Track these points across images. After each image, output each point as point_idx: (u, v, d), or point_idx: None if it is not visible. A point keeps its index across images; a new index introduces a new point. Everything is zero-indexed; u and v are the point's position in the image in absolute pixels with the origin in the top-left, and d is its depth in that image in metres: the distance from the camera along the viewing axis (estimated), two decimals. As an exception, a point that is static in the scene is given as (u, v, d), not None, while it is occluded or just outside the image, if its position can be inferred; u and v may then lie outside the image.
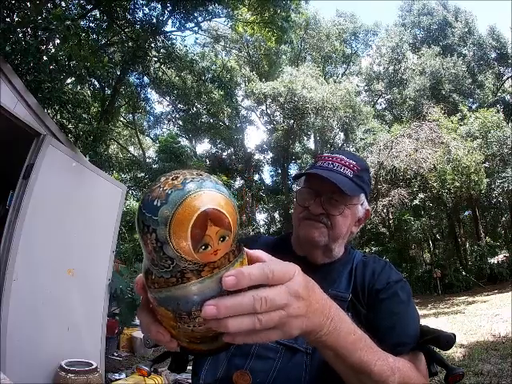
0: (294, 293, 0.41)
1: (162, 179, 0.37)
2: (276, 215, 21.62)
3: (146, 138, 19.60)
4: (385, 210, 14.57)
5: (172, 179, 0.37)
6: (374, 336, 0.73)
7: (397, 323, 0.75)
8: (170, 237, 0.35)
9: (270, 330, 0.41)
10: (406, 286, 0.84)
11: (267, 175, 28.03)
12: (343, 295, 0.81)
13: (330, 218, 0.82)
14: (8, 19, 4.26)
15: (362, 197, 0.87)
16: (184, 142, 19.31)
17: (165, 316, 0.40)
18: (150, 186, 0.38)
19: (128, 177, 12.87)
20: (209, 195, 0.36)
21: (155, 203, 0.35)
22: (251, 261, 0.45)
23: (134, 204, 13.06)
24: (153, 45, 7.88)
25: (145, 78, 10.47)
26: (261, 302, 0.38)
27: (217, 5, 8.83)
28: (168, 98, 16.97)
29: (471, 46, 19.44)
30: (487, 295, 10.99)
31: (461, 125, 14.27)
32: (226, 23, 11.96)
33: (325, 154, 0.90)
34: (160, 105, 18.89)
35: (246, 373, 0.73)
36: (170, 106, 18.18)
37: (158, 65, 8.82)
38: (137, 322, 5.48)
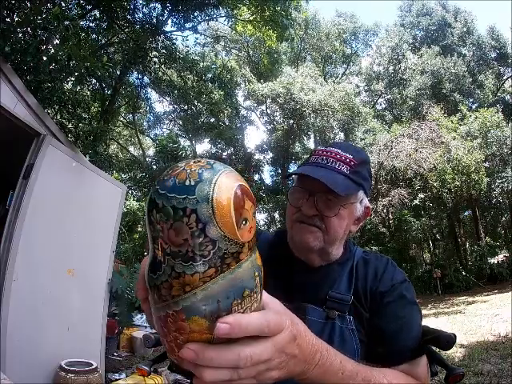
0: (279, 348, 0.40)
1: (182, 164, 0.35)
2: (276, 215, 21.61)
3: (146, 137, 19.59)
4: (385, 210, 14.58)
5: (194, 162, 0.35)
6: (379, 340, 0.73)
7: (403, 327, 0.73)
8: (215, 213, 0.32)
9: (246, 379, 0.39)
10: (410, 286, 0.81)
11: (267, 175, 28.06)
12: (344, 297, 0.78)
13: (324, 219, 0.76)
14: (8, 19, 4.26)
15: (361, 194, 0.80)
16: (184, 142, 19.33)
17: (196, 330, 0.35)
18: (166, 173, 0.35)
19: (128, 177, 12.87)
20: (236, 173, 0.36)
21: (187, 183, 0.33)
22: None
23: (134, 204, 13.07)
24: (153, 45, 7.88)
25: (145, 77, 10.48)
26: (246, 360, 0.37)
27: (217, 4, 8.83)
28: (168, 98, 16.98)
29: (471, 46, 19.43)
30: (487, 295, 10.99)
31: (460, 124, 14.28)
32: (226, 23, 11.98)
33: (319, 148, 0.82)
34: (160, 104, 18.89)
35: None
36: (170, 106, 18.19)
37: (158, 65, 8.81)
38: (137, 322, 5.49)
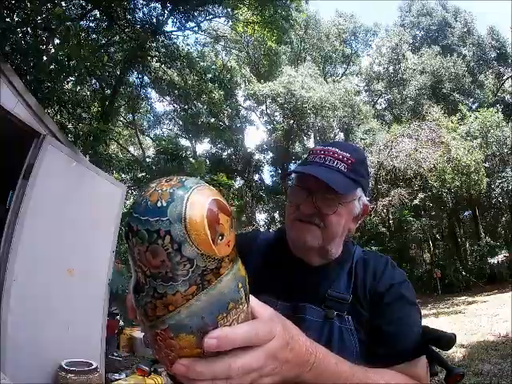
0: (271, 356, 0.41)
1: (154, 185, 0.35)
2: (276, 215, 21.62)
3: (146, 137, 19.58)
4: (385, 210, 14.57)
5: (166, 181, 0.35)
6: (379, 341, 0.73)
7: (403, 328, 0.73)
8: (188, 233, 0.32)
9: None
10: (409, 286, 0.81)
11: (267, 175, 28.05)
12: (343, 296, 0.77)
13: (322, 217, 0.76)
14: (8, 19, 4.26)
15: (359, 192, 0.80)
16: (184, 142, 19.33)
17: (186, 346, 0.36)
18: (139, 195, 0.35)
19: (128, 177, 12.86)
20: (208, 188, 0.36)
21: (159, 204, 0.32)
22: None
23: (134, 204, 12.98)
24: (154, 44, 7.87)
25: (145, 77, 10.47)
26: (237, 371, 0.37)
27: (217, 5, 8.83)
28: (168, 98, 16.97)
29: (471, 45, 19.44)
30: (487, 295, 10.99)
31: (461, 124, 14.28)
32: (226, 23, 11.97)
33: (317, 148, 0.83)
34: (160, 104, 18.91)
35: None
36: (171, 106, 18.19)
37: (158, 64, 8.81)
38: (137, 322, 5.48)
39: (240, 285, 0.38)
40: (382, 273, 0.80)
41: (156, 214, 0.32)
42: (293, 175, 0.87)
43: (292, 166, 21.17)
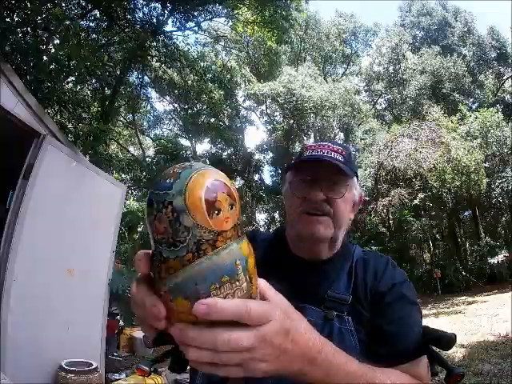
0: (263, 339, 0.41)
1: (171, 168, 0.41)
2: (276, 215, 21.62)
3: (146, 137, 19.58)
4: (385, 210, 14.57)
5: (180, 165, 0.41)
6: (380, 341, 0.73)
7: (404, 327, 0.74)
8: (186, 204, 0.37)
9: (231, 366, 0.41)
10: (410, 286, 0.81)
11: (267, 175, 28.02)
12: (343, 297, 0.77)
13: (331, 203, 0.78)
14: (8, 19, 4.26)
15: (355, 180, 0.84)
16: (184, 142, 19.33)
17: (182, 310, 0.39)
18: (159, 175, 0.41)
19: (128, 177, 12.87)
20: (214, 171, 0.41)
21: (168, 181, 0.39)
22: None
23: (134, 204, 13.06)
24: (154, 44, 7.88)
25: (145, 77, 10.48)
26: (223, 343, 0.38)
27: (217, 4, 8.83)
28: (168, 98, 16.97)
29: (471, 45, 19.44)
30: (487, 295, 10.99)
31: (461, 124, 14.28)
32: (226, 23, 11.97)
33: (311, 144, 0.86)
34: (160, 104, 18.91)
35: (240, 379, 0.73)
36: (171, 106, 18.20)
37: (158, 64, 8.81)
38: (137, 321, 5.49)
39: (238, 262, 0.40)
40: (382, 272, 0.81)
41: (164, 188, 0.38)
42: (289, 175, 0.87)
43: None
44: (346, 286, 0.79)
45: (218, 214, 0.39)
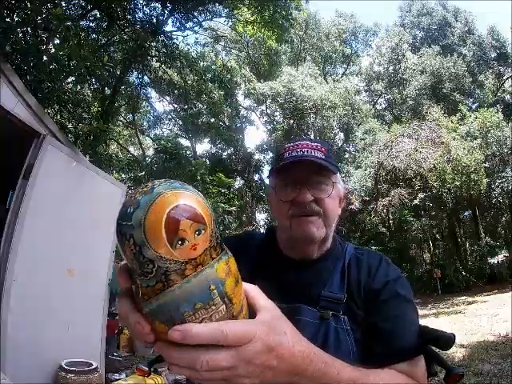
0: (243, 358, 0.41)
1: (134, 191, 0.39)
2: (276, 215, 21.58)
3: (146, 137, 19.58)
4: (385, 210, 14.56)
5: (142, 188, 0.39)
6: (375, 339, 0.72)
7: (399, 325, 0.73)
8: (146, 237, 0.36)
9: (215, 381, 0.41)
10: (405, 282, 0.80)
11: (267, 175, 27.97)
12: (337, 296, 0.77)
13: (319, 203, 0.77)
14: (8, 19, 4.26)
15: (338, 175, 0.84)
16: (184, 141, 19.32)
17: (162, 332, 0.39)
18: (124, 200, 0.40)
19: (128, 177, 12.86)
20: (177, 193, 0.38)
21: (128, 211, 0.37)
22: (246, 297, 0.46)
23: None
24: (153, 44, 7.88)
25: (145, 77, 10.47)
26: (201, 364, 0.39)
27: (217, 4, 8.83)
28: (168, 98, 16.96)
29: (471, 45, 19.42)
30: (487, 295, 10.99)
31: (461, 124, 14.27)
32: (226, 23, 11.97)
33: (289, 145, 0.83)
34: (160, 104, 18.91)
35: None
36: (170, 106, 18.19)
37: (158, 64, 8.81)
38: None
39: (213, 287, 0.39)
40: (376, 269, 0.80)
41: (126, 218, 0.37)
42: (272, 179, 0.85)
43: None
44: (340, 285, 0.79)
45: (182, 244, 0.37)
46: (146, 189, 0.38)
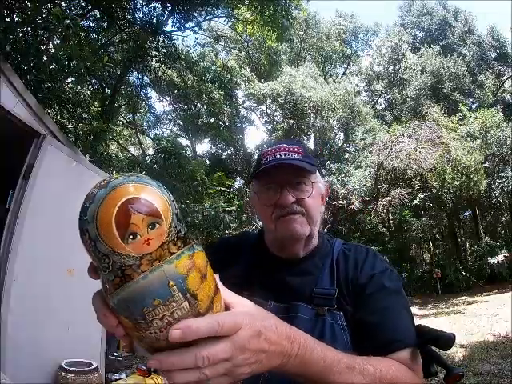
0: (240, 346, 0.43)
1: (94, 186, 0.39)
2: (276, 215, 21.57)
3: (146, 137, 19.57)
4: (385, 210, 14.56)
5: (100, 182, 0.39)
6: (365, 334, 0.72)
7: (388, 318, 0.72)
8: (99, 232, 0.36)
9: (218, 377, 0.42)
10: (392, 274, 0.81)
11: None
12: (329, 291, 0.78)
13: (301, 203, 0.80)
14: (8, 19, 4.26)
15: (318, 173, 0.86)
16: (184, 141, 19.31)
17: (128, 327, 0.40)
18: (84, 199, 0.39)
19: (128, 177, 12.83)
20: (131, 187, 0.37)
21: (85, 205, 0.37)
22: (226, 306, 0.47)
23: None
24: (154, 44, 7.88)
25: (145, 77, 10.48)
26: (203, 360, 0.40)
27: (217, 4, 8.82)
28: (168, 98, 16.96)
29: (471, 45, 19.41)
30: (487, 295, 10.99)
31: (461, 125, 14.26)
32: (226, 23, 11.97)
33: (266, 150, 0.85)
34: (160, 104, 18.91)
35: None
36: (170, 106, 18.18)
37: (158, 64, 8.82)
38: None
39: (172, 283, 0.39)
40: (363, 262, 0.81)
41: (83, 213, 0.37)
42: (254, 184, 0.88)
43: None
44: (330, 281, 0.80)
45: (134, 238, 0.36)
46: (103, 183, 0.38)
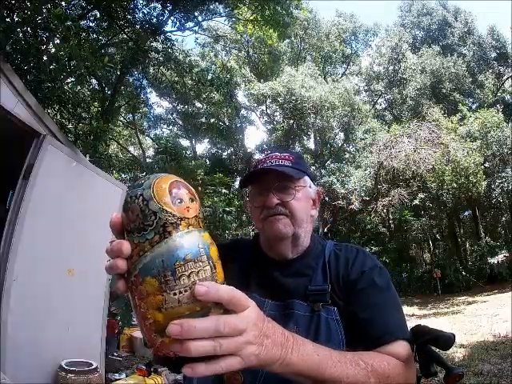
0: (251, 321, 0.46)
1: (134, 183, 0.49)
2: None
3: (146, 137, 19.57)
4: (385, 210, 14.56)
5: (139, 180, 0.49)
6: (356, 329, 0.75)
7: (378, 314, 0.75)
8: (153, 193, 0.45)
9: (229, 356, 0.44)
10: (382, 271, 0.85)
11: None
12: (322, 287, 0.82)
13: (286, 205, 0.86)
14: (8, 19, 4.25)
15: (307, 179, 0.92)
16: (184, 142, 19.31)
17: (150, 291, 0.44)
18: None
19: (128, 177, 12.86)
20: (173, 176, 0.49)
21: (140, 182, 0.47)
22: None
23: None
24: (153, 44, 7.87)
25: (145, 77, 10.47)
26: (223, 325, 0.43)
27: (217, 4, 8.83)
28: (168, 98, 16.96)
29: (471, 45, 19.41)
30: (487, 295, 11.00)
31: (461, 125, 14.26)
32: (226, 22, 11.98)
33: (259, 158, 0.95)
34: (160, 104, 18.87)
35: (237, 372, 0.73)
36: (170, 106, 18.18)
37: (157, 65, 8.82)
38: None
39: (201, 245, 0.46)
40: (353, 260, 0.85)
41: (137, 186, 0.47)
42: (249, 189, 0.95)
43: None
44: (323, 279, 0.84)
45: (180, 203, 0.46)
46: (143, 180, 0.48)
